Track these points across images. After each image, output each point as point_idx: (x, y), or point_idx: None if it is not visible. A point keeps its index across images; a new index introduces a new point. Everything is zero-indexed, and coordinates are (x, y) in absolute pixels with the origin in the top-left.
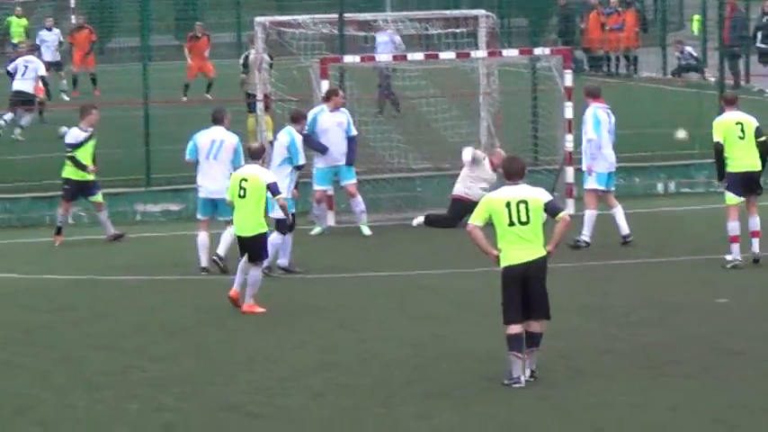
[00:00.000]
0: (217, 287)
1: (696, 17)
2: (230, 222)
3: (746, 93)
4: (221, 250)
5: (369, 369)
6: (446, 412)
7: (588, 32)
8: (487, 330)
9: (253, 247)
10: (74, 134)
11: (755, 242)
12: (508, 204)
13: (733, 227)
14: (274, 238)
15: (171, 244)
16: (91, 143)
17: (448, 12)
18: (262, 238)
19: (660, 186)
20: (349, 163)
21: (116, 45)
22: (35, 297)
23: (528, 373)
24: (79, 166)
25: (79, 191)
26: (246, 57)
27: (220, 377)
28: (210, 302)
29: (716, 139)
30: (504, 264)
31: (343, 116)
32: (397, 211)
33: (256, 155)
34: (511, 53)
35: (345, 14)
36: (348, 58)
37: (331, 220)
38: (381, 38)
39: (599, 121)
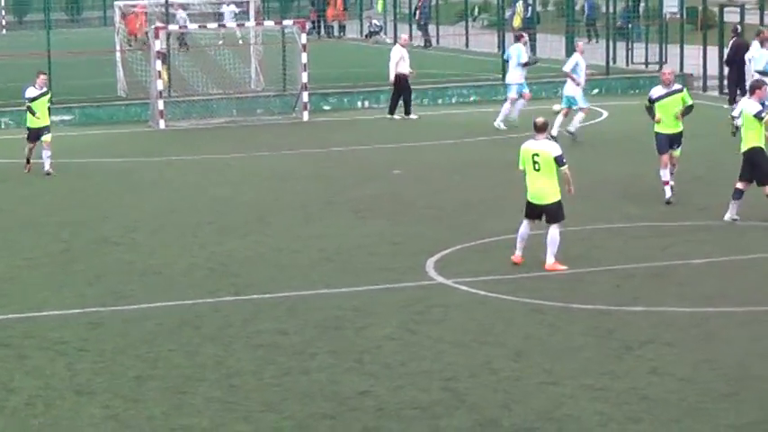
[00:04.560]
0: None
1: (380, 1)
2: None
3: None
4: None
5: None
6: None
7: (328, 11)
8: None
9: (554, 213)
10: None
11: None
12: None
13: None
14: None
15: None
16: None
17: None
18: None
19: (360, 104)
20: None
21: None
22: None
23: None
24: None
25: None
26: None
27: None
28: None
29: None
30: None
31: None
32: (202, 119)
33: (543, 129)
34: (269, 23)
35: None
36: (172, 27)
37: None
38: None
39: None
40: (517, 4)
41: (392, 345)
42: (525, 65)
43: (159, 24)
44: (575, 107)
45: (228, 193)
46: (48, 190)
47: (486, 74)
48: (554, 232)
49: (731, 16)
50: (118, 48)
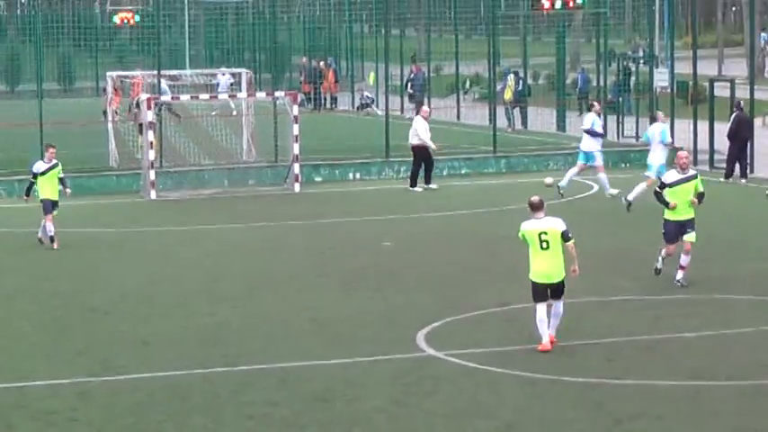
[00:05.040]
0: None
1: (372, 74)
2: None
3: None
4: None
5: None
6: None
7: (325, 82)
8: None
9: (560, 290)
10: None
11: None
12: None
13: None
14: None
15: None
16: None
17: (225, 69)
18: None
19: (351, 175)
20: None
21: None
22: None
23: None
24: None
25: None
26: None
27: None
28: None
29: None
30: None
31: None
32: (193, 189)
33: (541, 206)
34: (261, 94)
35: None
36: (164, 97)
37: None
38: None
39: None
40: (508, 77)
41: (382, 417)
42: (599, 135)
43: (148, 95)
44: (659, 175)
45: (219, 264)
46: (38, 259)
47: (478, 146)
48: (559, 306)
49: (721, 91)
50: (110, 118)
